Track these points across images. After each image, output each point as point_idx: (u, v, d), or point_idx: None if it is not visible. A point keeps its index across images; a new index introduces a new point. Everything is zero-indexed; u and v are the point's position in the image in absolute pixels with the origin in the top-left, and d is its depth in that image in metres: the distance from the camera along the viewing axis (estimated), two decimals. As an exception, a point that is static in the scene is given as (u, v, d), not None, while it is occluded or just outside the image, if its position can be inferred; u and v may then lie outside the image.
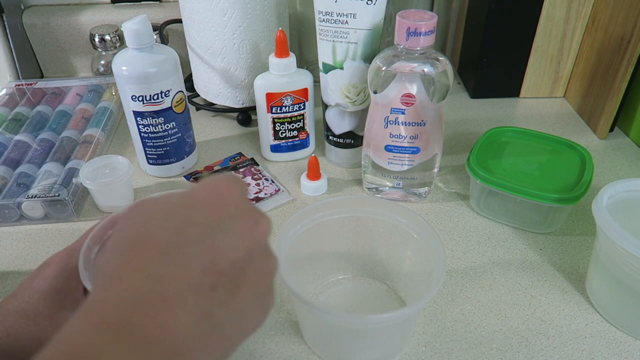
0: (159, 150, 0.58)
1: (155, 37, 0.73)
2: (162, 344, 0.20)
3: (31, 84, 0.74)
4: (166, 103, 0.55)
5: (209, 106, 0.71)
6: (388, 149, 0.52)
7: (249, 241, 0.25)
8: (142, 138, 0.57)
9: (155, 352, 0.20)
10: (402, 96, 0.49)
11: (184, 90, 0.57)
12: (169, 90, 0.54)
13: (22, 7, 0.81)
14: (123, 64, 0.52)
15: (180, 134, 0.58)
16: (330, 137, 0.61)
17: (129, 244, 0.23)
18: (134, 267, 0.22)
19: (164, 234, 0.23)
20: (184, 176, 0.60)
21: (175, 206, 0.24)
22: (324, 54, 0.55)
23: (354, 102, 0.57)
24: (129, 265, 0.22)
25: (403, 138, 0.51)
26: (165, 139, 0.57)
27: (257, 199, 0.56)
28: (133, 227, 0.23)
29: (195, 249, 0.23)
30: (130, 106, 0.54)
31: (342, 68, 0.55)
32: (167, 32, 0.81)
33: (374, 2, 0.51)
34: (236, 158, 0.63)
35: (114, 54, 0.70)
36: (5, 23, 0.77)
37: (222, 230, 0.24)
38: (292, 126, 0.60)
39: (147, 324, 0.20)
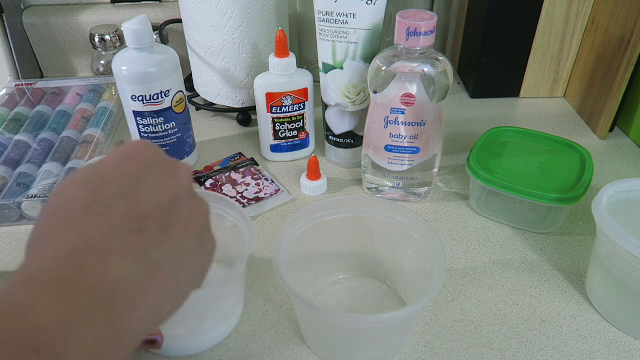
0: (159, 150, 0.58)
1: (155, 37, 0.73)
2: (95, 289, 0.20)
3: (31, 84, 0.74)
4: (166, 103, 0.55)
5: (209, 106, 0.71)
6: (388, 149, 0.52)
7: (170, 186, 0.25)
8: (142, 138, 0.57)
9: (89, 297, 0.20)
10: (402, 96, 0.49)
11: (184, 90, 0.57)
12: (169, 90, 0.54)
13: (22, 7, 0.81)
14: (123, 64, 0.52)
15: (180, 134, 0.58)
16: (330, 137, 0.61)
17: (49, 215, 0.23)
18: (56, 230, 0.22)
19: (81, 195, 0.23)
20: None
21: (89, 172, 0.24)
22: (324, 54, 0.55)
23: (354, 102, 0.57)
24: (51, 230, 0.22)
25: (403, 138, 0.51)
26: (165, 139, 0.57)
27: (257, 199, 0.56)
28: (52, 201, 0.24)
29: (115, 200, 0.23)
30: (130, 106, 0.54)
31: (342, 68, 0.55)
32: (167, 32, 0.81)
33: (374, 2, 0.51)
34: (236, 158, 0.63)
35: (114, 54, 0.70)
36: (5, 23, 0.77)
37: (140, 180, 0.24)
38: (292, 126, 0.60)
39: (77, 274, 0.20)
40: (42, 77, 0.85)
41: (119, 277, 0.21)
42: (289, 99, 0.58)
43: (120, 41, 0.77)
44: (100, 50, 0.77)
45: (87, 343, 0.19)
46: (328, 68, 0.56)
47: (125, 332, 0.21)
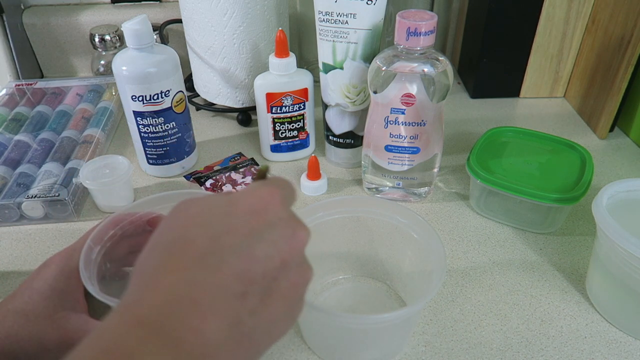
0: (159, 150, 0.58)
1: (155, 37, 0.73)
2: (192, 346, 0.21)
3: (31, 84, 0.74)
4: (166, 103, 0.55)
5: (209, 106, 0.71)
6: (388, 149, 0.52)
7: (285, 251, 0.25)
8: (142, 138, 0.57)
9: (185, 353, 0.20)
10: (402, 96, 0.49)
11: (184, 90, 0.57)
12: (169, 90, 0.54)
13: (22, 7, 0.81)
14: (123, 64, 0.52)
15: (180, 134, 0.58)
16: (330, 137, 0.61)
17: (167, 247, 0.24)
18: (170, 270, 0.22)
19: (202, 240, 0.23)
20: (184, 176, 0.60)
21: (216, 213, 0.25)
22: (324, 54, 0.55)
23: (354, 102, 0.57)
24: (165, 268, 0.23)
25: (403, 138, 0.51)
26: (165, 139, 0.57)
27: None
28: (173, 230, 0.24)
29: (230, 256, 0.23)
30: (130, 106, 0.54)
31: (342, 68, 0.55)
32: (167, 32, 0.81)
33: (374, 2, 0.51)
34: (236, 158, 0.63)
35: (114, 54, 0.70)
36: (5, 23, 0.77)
37: (259, 239, 0.24)
38: (292, 126, 0.60)
39: (179, 326, 0.21)
40: (42, 77, 0.85)
41: (213, 340, 0.21)
42: (289, 99, 0.58)
43: (120, 41, 0.77)
44: (100, 50, 0.77)
45: None
46: (328, 68, 0.56)
47: None
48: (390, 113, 0.50)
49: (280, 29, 0.56)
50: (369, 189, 0.57)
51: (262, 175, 0.30)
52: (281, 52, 0.56)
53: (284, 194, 0.27)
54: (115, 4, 0.82)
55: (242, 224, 0.24)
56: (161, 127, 0.56)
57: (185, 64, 0.69)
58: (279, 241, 0.25)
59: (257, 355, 0.25)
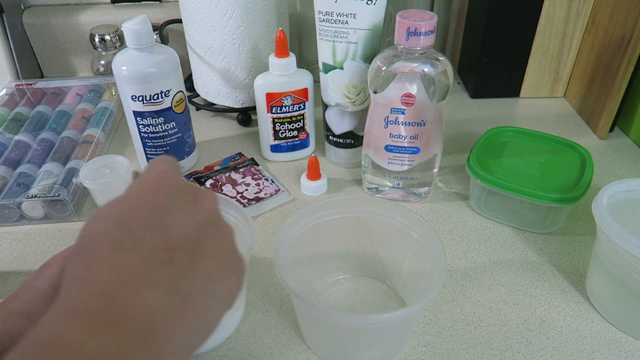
0: (159, 150, 0.58)
1: (155, 37, 0.73)
2: (133, 322, 0.21)
3: (31, 84, 0.74)
4: (166, 103, 0.55)
5: (209, 106, 0.71)
6: (388, 149, 0.52)
7: (195, 214, 0.25)
8: (142, 138, 0.57)
9: (128, 331, 0.20)
10: (402, 96, 0.49)
11: (184, 90, 0.57)
12: (169, 90, 0.54)
13: (22, 7, 0.81)
14: (123, 64, 0.52)
15: (180, 134, 0.58)
16: (330, 137, 0.61)
17: (82, 249, 0.23)
18: (91, 264, 0.22)
19: (109, 228, 0.23)
20: (183, 176, 0.60)
21: (114, 204, 0.25)
22: (324, 54, 0.55)
23: (354, 102, 0.57)
24: (85, 265, 0.23)
25: (403, 138, 0.51)
26: (165, 139, 0.57)
27: (257, 199, 0.56)
28: (82, 236, 0.24)
29: (143, 232, 0.23)
30: (130, 106, 0.54)
31: (342, 68, 0.55)
32: (167, 32, 0.81)
33: (374, 2, 0.51)
34: (236, 158, 0.63)
35: (114, 54, 0.70)
36: (5, 23, 0.77)
37: (165, 211, 0.24)
38: (292, 126, 0.60)
39: (114, 306, 0.21)
40: (42, 77, 0.85)
41: (154, 310, 0.21)
42: (289, 99, 0.58)
43: (120, 41, 0.77)
44: (100, 50, 0.77)
45: None
46: (328, 68, 0.56)
47: None
48: (390, 113, 0.50)
49: (280, 29, 0.56)
50: (369, 189, 0.57)
51: (136, 174, 0.30)
52: (281, 52, 0.56)
53: (170, 168, 0.27)
54: (115, 4, 0.82)
55: (143, 203, 0.24)
56: (161, 127, 0.56)
57: (185, 64, 0.69)
58: (184, 207, 0.25)
59: (212, 317, 0.25)
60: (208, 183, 0.58)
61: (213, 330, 0.25)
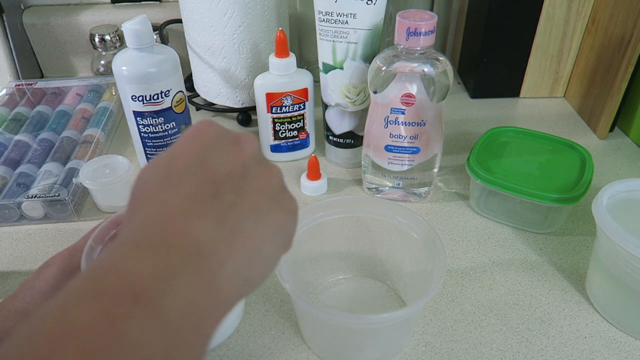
0: (159, 150, 0.58)
1: (155, 37, 0.73)
2: (182, 247, 0.21)
3: (31, 84, 0.74)
4: (166, 103, 0.55)
5: (209, 106, 0.71)
6: (388, 149, 0.52)
7: (238, 154, 0.26)
8: (142, 138, 0.57)
9: (179, 255, 0.21)
10: (402, 96, 0.49)
11: (184, 90, 0.57)
12: (169, 90, 0.54)
13: (22, 7, 0.81)
14: (123, 64, 0.52)
15: (180, 134, 0.58)
16: (330, 137, 0.61)
17: (130, 198, 0.25)
18: (138, 206, 0.23)
19: (156, 174, 0.24)
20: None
21: (160, 156, 0.26)
22: (324, 54, 0.55)
23: (354, 102, 0.57)
24: (133, 208, 0.24)
25: (403, 138, 0.51)
26: (165, 139, 0.57)
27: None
28: (132, 189, 0.25)
29: (187, 172, 0.24)
30: (130, 106, 0.54)
31: (342, 68, 0.55)
32: (167, 32, 0.81)
33: (374, 2, 0.51)
34: (236, 158, 0.63)
35: (114, 54, 0.70)
36: (5, 23, 0.77)
37: (208, 151, 0.25)
38: (292, 126, 0.60)
39: (163, 235, 0.21)
40: (42, 77, 0.85)
41: (203, 237, 0.22)
42: (289, 99, 0.58)
43: (120, 41, 0.77)
44: (100, 50, 0.77)
45: (181, 294, 0.20)
46: (328, 68, 0.56)
47: (217, 288, 0.22)
48: (390, 113, 0.50)
49: (280, 29, 0.56)
50: (369, 189, 0.57)
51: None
52: (281, 52, 0.56)
53: (211, 121, 0.28)
54: (115, 4, 0.82)
55: (188, 148, 0.25)
56: (161, 127, 0.56)
57: (185, 64, 0.69)
58: (227, 148, 0.26)
59: (267, 253, 0.25)
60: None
61: (272, 266, 0.25)
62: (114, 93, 0.72)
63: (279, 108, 0.58)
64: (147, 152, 0.58)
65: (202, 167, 0.24)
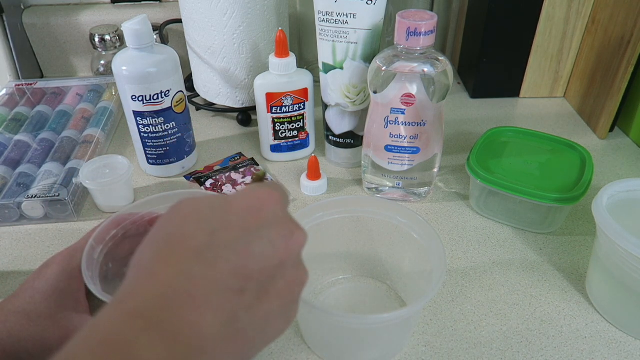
0: (159, 150, 0.58)
1: (155, 37, 0.73)
2: (189, 340, 0.21)
3: (31, 84, 0.74)
4: (166, 103, 0.55)
5: (209, 106, 0.71)
6: (388, 149, 0.52)
7: (282, 250, 0.25)
8: (142, 138, 0.57)
9: (181, 347, 0.21)
10: (402, 96, 0.49)
11: (184, 90, 0.57)
12: (169, 90, 0.54)
13: (22, 7, 0.81)
14: (123, 64, 0.52)
15: (180, 134, 0.58)
16: (330, 137, 0.61)
17: (164, 241, 0.24)
18: (167, 263, 0.23)
19: (199, 235, 0.23)
20: (184, 176, 0.60)
21: (213, 209, 0.25)
22: (324, 54, 0.55)
23: (354, 102, 0.57)
24: (162, 261, 0.23)
25: (403, 138, 0.51)
26: (165, 139, 0.57)
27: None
28: (171, 225, 0.24)
29: (227, 251, 0.23)
30: (130, 106, 0.54)
31: (342, 68, 0.55)
32: (167, 32, 0.81)
33: (374, 2, 0.51)
34: (236, 158, 0.63)
35: (114, 54, 0.70)
36: (5, 23, 0.77)
37: (256, 236, 0.24)
38: (292, 126, 0.60)
39: (176, 319, 0.21)
40: (42, 77, 0.85)
41: (209, 334, 0.22)
42: (289, 99, 0.58)
43: (120, 41, 0.77)
44: (100, 50, 0.77)
45: None
46: (328, 68, 0.56)
47: None
48: (390, 113, 0.50)
49: (280, 29, 0.56)
50: (369, 189, 0.57)
51: (259, 178, 0.30)
52: (281, 52, 0.56)
53: (281, 196, 0.27)
54: (115, 4, 0.82)
55: (239, 220, 0.24)
56: (161, 127, 0.56)
57: (185, 64, 0.69)
58: (276, 239, 0.25)
59: (251, 354, 0.25)
60: (208, 183, 0.58)
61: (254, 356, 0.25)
62: (114, 93, 0.72)
63: (279, 108, 0.58)
64: (147, 152, 0.58)
65: (244, 251, 0.23)
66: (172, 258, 0.23)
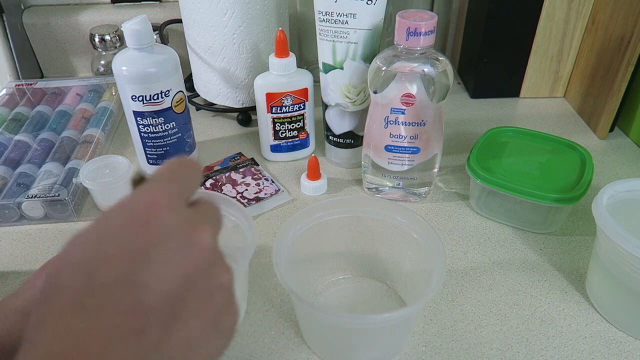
0: (159, 150, 0.58)
1: (155, 37, 0.73)
2: None
3: (31, 84, 0.74)
4: (166, 103, 0.55)
5: (209, 106, 0.71)
6: (388, 149, 0.52)
7: (183, 264, 0.21)
8: (142, 138, 0.57)
9: None
10: (402, 96, 0.49)
11: (184, 90, 0.57)
12: (169, 90, 0.54)
13: (22, 7, 0.81)
14: (123, 64, 0.52)
15: (180, 134, 0.58)
16: (330, 137, 0.61)
17: (42, 300, 0.20)
18: (46, 326, 0.19)
19: (75, 281, 0.20)
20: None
21: (85, 245, 0.21)
22: (324, 54, 0.55)
23: (354, 102, 0.57)
24: (41, 325, 0.19)
25: (403, 138, 0.51)
26: (165, 139, 0.57)
27: (258, 199, 0.56)
28: (47, 280, 0.20)
29: (113, 291, 0.19)
30: (130, 106, 0.54)
31: (342, 68, 0.55)
32: (167, 32, 0.81)
33: (374, 2, 0.51)
34: (236, 158, 0.63)
35: (114, 54, 0.70)
36: (5, 23, 0.77)
37: (146, 262, 0.20)
38: (292, 126, 0.60)
39: None
40: (42, 77, 0.85)
41: None
42: (289, 99, 0.58)
43: (120, 41, 0.77)
44: (100, 50, 0.77)
45: None
46: (328, 68, 0.56)
47: None
48: (390, 113, 0.50)
49: (280, 29, 0.56)
50: (369, 189, 0.57)
51: (137, 181, 0.24)
52: (281, 52, 0.56)
53: (171, 190, 0.22)
54: (115, 4, 0.82)
55: (119, 248, 0.20)
56: (161, 127, 0.56)
57: (185, 64, 0.69)
58: (171, 256, 0.21)
59: None
60: (208, 183, 0.58)
61: None
62: (114, 93, 0.72)
63: (279, 108, 0.58)
64: (147, 152, 0.58)
65: (133, 287, 0.19)
66: (49, 318, 0.19)
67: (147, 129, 0.56)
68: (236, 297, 0.24)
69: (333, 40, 0.54)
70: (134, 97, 0.53)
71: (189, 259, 0.21)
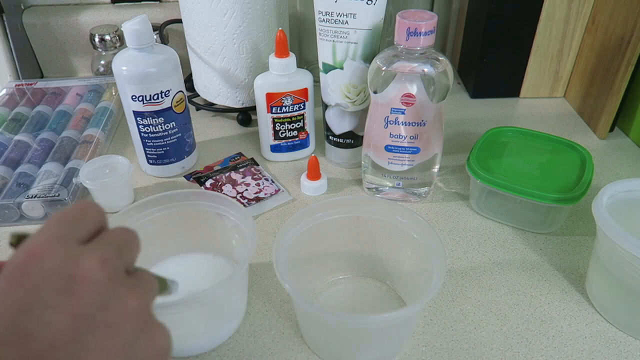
0: (159, 150, 0.58)
1: (155, 37, 0.73)
2: None
3: (31, 84, 0.74)
4: (166, 103, 0.55)
5: (209, 106, 0.71)
6: (388, 149, 0.52)
7: (69, 304, 0.20)
8: (142, 138, 0.57)
9: None
10: (402, 96, 0.49)
11: (184, 90, 0.57)
12: (169, 90, 0.54)
13: (22, 7, 0.81)
14: (123, 64, 0.52)
15: (180, 134, 0.58)
16: (330, 137, 0.61)
17: None
18: None
19: None
20: (184, 176, 0.60)
21: None
22: (324, 54, 0.55)
23: (354, 102, 0.57)
24: None
25: (403, 138, 0.51)
26: (165, 139, 0.57)
27: (258, 199, 0.56)
28: None
29: (2, 349, 0.19)
30: (130, 106, 0.54)
31: (342, 68, 0.55)
32: (167, 32, 0.81)
33: (374, 2, 0.51)
34: (236, 158, 0.63)
35: (114, 54, 0.70)
36: (5, 23, 0.77)
37: (27, 311, 0.19)
38: (292, 126, 0.60)
39: None
40: (42, 77, 0.85)
41: None
42: (289, 99, 0.58)
43: (120, 41, 0.77)
44: (100, 50, 0.77)
45: None
46: (328, 68, 0.56)
47: None
48: (390, 113, 0.50)
49: (280, 29, 0.56)
50: (369, 189, 0.57)
51: (17, 241, 0.22)
52: (281, 52, 0.56)
53: (55, 234, 0.21)
54: (115, 4, 0.82)
55: (2, 304, 0.19)
56: (161, 127, 0.56)
57: (185, 64, 0.69)
58: (53, 298, 0.20)
59: None
60: (208, 183, 0.58)
61: None
62: (114, 93, 0.72)
63: (279, 108, 0.58)
64: (147, 152, 0.58)
65: (19, 340, 0.19)
66: None
67: (147, 129, 0.56)
68: (156, 320, 0.22)
69: (333, 40, 0.54)
70: (134, 97, 0.53)
71: (75, 297, 0.20)
